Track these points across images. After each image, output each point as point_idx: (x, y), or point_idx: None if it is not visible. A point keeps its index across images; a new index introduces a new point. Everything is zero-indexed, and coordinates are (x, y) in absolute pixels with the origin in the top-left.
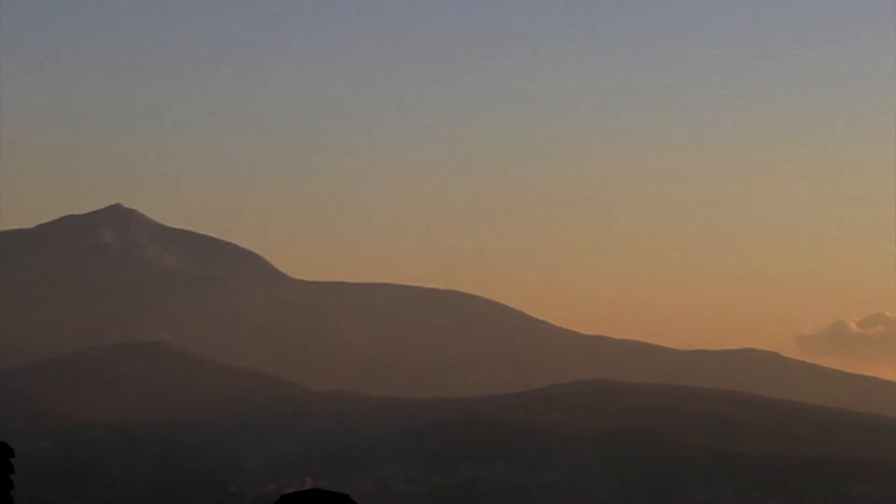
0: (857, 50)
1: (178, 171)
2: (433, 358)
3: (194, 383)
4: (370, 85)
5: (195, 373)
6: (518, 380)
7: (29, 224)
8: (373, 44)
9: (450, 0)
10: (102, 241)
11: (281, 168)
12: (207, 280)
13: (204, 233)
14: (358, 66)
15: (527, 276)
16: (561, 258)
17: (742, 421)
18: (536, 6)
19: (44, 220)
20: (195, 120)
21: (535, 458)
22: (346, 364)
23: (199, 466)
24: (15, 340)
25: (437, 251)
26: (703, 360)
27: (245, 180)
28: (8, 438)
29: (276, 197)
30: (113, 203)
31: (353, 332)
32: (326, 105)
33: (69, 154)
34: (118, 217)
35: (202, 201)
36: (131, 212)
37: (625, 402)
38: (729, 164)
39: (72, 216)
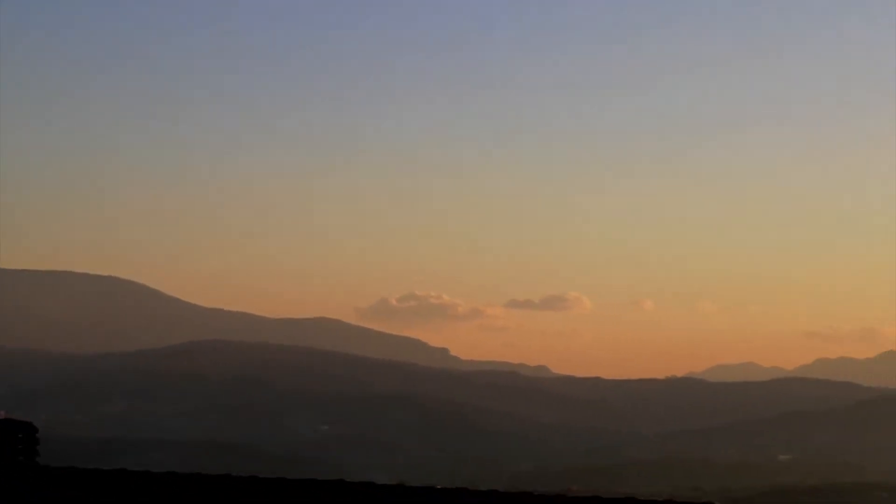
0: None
1: None
2: (97, 323)
3: None
4: (46, 87)
5: None
6: (156, 339)
7: None
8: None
9: None
10: None
11: None
12: None
13: None
14: (36, 66)
15: (162, 263)
16: (187, 248)
17: (320, 369)
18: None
19: None
20: None
21: (172, 396)
22: (34, 328)
23: None
24: None
25: (101, 245)
26: (290, 325)
27: None
28: None
29: None
30: None
31: (38, 305)
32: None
33: None
34: None
35: None
36: None
37: (235, 355)
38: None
39: None
